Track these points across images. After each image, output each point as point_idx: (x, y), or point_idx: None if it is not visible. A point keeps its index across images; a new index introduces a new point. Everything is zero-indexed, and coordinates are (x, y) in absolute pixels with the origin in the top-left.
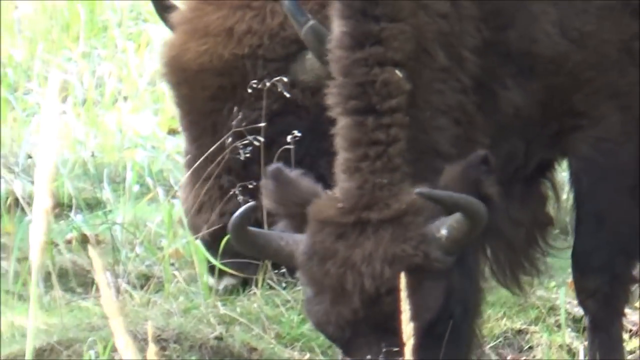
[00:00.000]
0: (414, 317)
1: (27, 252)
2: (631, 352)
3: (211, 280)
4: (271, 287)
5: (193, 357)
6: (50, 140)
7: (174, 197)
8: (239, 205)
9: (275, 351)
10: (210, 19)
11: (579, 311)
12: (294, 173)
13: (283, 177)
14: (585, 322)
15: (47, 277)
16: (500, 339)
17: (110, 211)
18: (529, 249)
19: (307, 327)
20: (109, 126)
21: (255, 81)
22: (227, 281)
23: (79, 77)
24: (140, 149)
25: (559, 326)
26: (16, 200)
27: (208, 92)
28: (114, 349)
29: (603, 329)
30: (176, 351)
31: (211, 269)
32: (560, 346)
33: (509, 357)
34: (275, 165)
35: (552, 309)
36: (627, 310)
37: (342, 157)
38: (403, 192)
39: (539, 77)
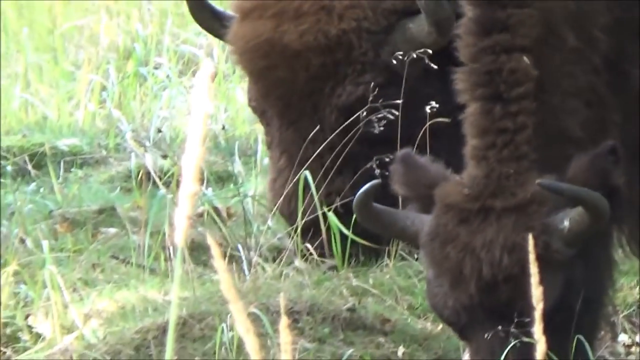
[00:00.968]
0: (531, 305)
1: (159, 226)
2: None
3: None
4: (403, 258)
5: (325, 329)
6: (198, 126)
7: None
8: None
9: (407, 322)
10: (299, 1)
11: None
12: (423, 158)
13: (412, 161)
14: None
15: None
16: (634, 308)
17: (241, 184)
18: None
19: None
20: (240, 100)
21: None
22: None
23: (209, 51)
24: None
25: None
26: (147, 174)
27: (310, 72)
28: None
29: None
30: (308, 323)
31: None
32: None
33: None
34: (404, 150)
35: None
36: None
37: (470, 144)
38: (529, 181)
39: None
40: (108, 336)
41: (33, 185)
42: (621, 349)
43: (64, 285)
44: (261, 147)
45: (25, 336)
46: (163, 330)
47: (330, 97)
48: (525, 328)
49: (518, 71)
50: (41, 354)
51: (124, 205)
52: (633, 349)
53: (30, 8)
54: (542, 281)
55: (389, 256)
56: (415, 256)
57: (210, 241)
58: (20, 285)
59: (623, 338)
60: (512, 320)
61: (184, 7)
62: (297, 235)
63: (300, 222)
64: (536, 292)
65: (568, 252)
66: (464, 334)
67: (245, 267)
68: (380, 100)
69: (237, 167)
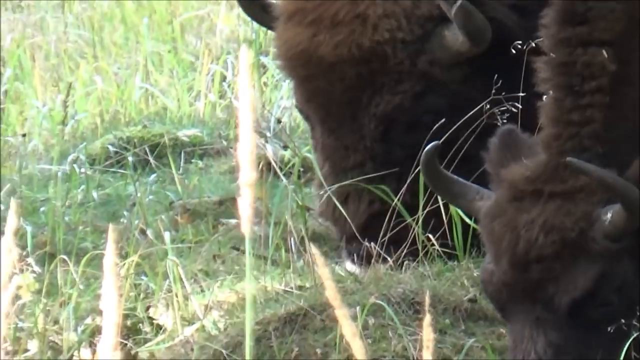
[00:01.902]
0: (561, 291)
1: (279, 216)
2: None
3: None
4: None
5: (447, 320)
6: (248, 115)
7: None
8: None
9: None
10: (337, 6)
11: None
12: (526, 137)
13: (510, 139)
14: None
15: (300, 242)
16: None
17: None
18: None
19: None
20: None
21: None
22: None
23: None
24: None
25: None
26: (268, 164)
27: (346, 82)
28: (369, 312)
29: None
30: (430, 314)
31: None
32: None
33: None
34: (507, 127)
35: None
36: None
37: (542, 131)
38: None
39: None
40: (229, 327)
41: (154, 176)
42: None
43: (185, 276)
44: None
45: (146, 328)
46: (284, 321)
47: (369, 106)
48: (553, 313)
49: (593, 65)
50: (162, 345)
51: None
52: None
53: None
54: (574, 268)
55: None
56: None
57: (315, 252)
58: (141, 277)
59: None
60: (545, 303)
61: None
62: (417, 226)
63: (421, 214)
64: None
65: (608, 244)
66: (504, 312)
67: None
68: (492, 95)
69: None
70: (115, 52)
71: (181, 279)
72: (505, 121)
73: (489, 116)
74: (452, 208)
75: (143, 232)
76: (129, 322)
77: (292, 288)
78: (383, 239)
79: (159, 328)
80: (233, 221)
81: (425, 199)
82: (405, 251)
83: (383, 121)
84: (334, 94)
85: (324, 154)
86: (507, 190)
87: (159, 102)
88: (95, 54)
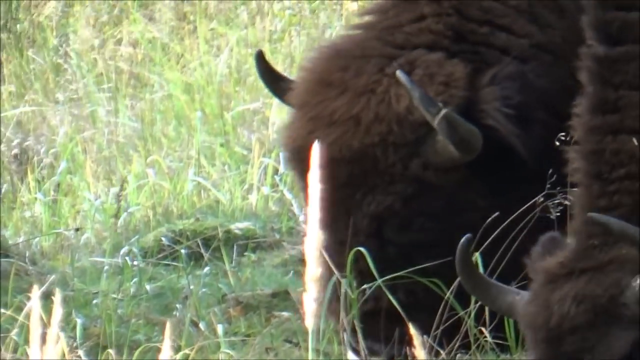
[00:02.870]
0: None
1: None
2: None
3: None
4: None
5: None
6: (316, 212)
7: None
8: None
9: None
10: (335, 106)
11: None
12: (566, 242)
13: (552, 245)
14: None
15: (353, 334)
16: None
17: None
18: None
19: None
20: None
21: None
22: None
23: None
24: None
25: None
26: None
27: (339, 181)
28: None
29: None
30: None
31: None
32: None
33: None
34: (552, 234)
35: None
36: None
37: (573, 220)
38: (614, 249)
39: None
40: None
41: (207, 269)
42: None
43: None
44: None
45: None
46: None
47: (361, 204)
48: None
49: (621, 152)
50: None
51: (298, 288)
52: None
53: (202, 92)
54: (608, 335)
55: None
56: None
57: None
58: None
59: None
60: None
61: None
62: (470, 320)
63: (473, 306)
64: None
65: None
66: None
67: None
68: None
69: None
70: (167, 146)
71: None
72: (558, 214)
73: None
74: None
75: (196, 324)
76: None
77: None
78: (435, 332)
79: None
80: (286, 314)
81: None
82: (458, 344)
83: (375, 219)
84: (327, 191)
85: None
86: (541, 277)
87: (211, 195)
88: (147, 147)
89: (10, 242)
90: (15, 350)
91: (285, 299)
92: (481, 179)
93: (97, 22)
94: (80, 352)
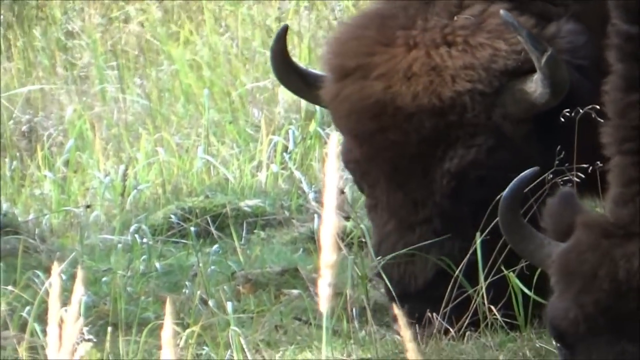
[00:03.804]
0: None
1: (341, 287)
2: None
3: None
4: None
5: None
6: (332, 196)
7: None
8: None
9: None
10: (409, 60)
11: None
12: (582, 204)
13: (569, 201)
14: None
15: (361, 312)
16: None
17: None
18: None
19: None
20: None
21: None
22: None
23: None
24: None
25: None
26: None
27: (422, 134)
28: None
29: None
30: None
31: None
32: None
33: None
34: (567, 190)
35: None
36: None
37: (616, 191)
38: None
39: None
40: None
41: (216, 247)
42: None
43: (247, 347)
44: None
45: None
46: None
47: (442, 161)
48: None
49: None
50: None
51: (307, 266)
52: None
53: (210, 69)
54: None
55: None
56: None
57: (396, 309)
58: (203, 347)
59: None
60: (629, 336)
61: None
62: (480, 296)
63: (483, 283)
64: None
65: None
66: (574, 349)
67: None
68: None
69: None
70: (176, 123)
71: (243, 350)
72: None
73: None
74: (511, 277)
75: (205, 302)
76: None
77: (354, 359)
78: (445, 310)
79: None
80: (295, 292)
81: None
82: (467, 322)
83: (456, 176)
84: (407, 147)
85: (389, 210)
86: (592, 231)
87: (220, 173)
88: (156, 125)
89: (19, 219)
90: (23, 328)
91: (294, 276)
92: (539, 136)
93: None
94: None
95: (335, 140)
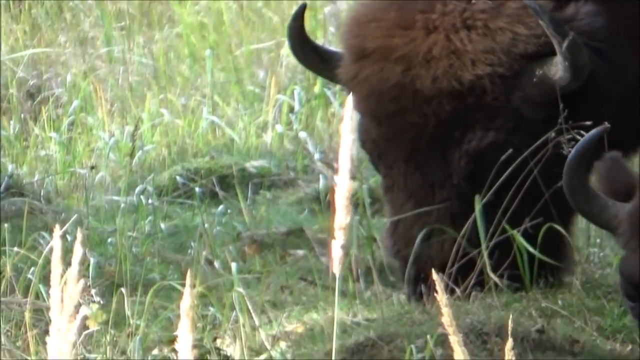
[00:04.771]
0: None
1: (347, 247)
2: None
3: None
4: (587, 281)
5: (514, 351)
6: (347, 160)
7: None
8: None
9: (597, 343)
10: (429, 43)
11: None
12: (627, 164)
13: (619, 162)
14: None
15: (367, 272)
16: None
17: None
18: None
19: (629, 318)
20: None
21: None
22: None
23: None
24: None
25: None
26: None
27: (441, 117)
28: (437, 344)
29: None
30: (497, 345)
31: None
32: None
33: None
34: (614, 152)
35: None
36: None
37: None
38: None
39: None
40: (297, 358)
41: (221, 207)
42: None
43: (252, 307)
44: None
45: (213, 358)
46: (352, 352)
47: (461, 143)
48: None
49: None
50: None
51: (313, 227)
52: None
53: (217, 29)
54: None
55: (575, 277)
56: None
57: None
58: (208, 308)
59: None
60: None
61: None
62: (485, 256)
63: (484, 243)
64: None
65: None
66: None
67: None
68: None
69: None
70: (181, 84)
71: (248, 310)
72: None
73: (555, 146)
74: (517, 237)
75: (210, 263)
76: (196, 353)
77: (360, 319)
78: (450, 270)
79: (226, 359)
80: (300, 252)
81: (491, 231)
82: (473, 282)
83: (474, 158)
84: (425, 129)
85: (407, 191)
86: None
87: (226, 134)
88: (161, 86)
89: (24, 181)
90: (29, 290)
91: (300, 237)
92: (557, 120)
93: None
94: (93, 292)
95: (351, 101)
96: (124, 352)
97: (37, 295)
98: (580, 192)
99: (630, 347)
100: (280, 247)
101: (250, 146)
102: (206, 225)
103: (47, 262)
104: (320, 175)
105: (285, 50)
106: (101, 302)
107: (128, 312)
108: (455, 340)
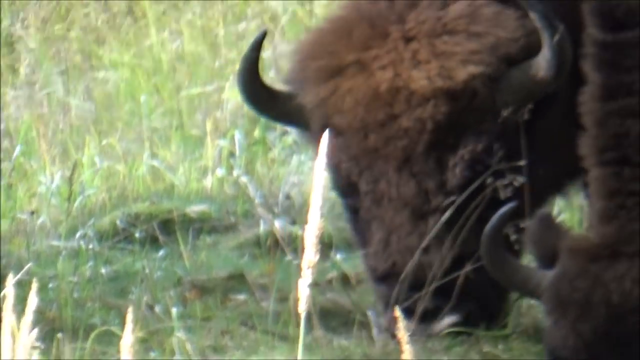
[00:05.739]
0: None
1: (287, 292)
2: None
3: None
4: (531, 324)
5: None
6: (319, 198)
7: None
8: None
9: None
10: (412, 49)
11: None
12: (558, 222)
13: (548, 224)
14: None
15: (308, 317)
16: None
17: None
18: None
19: None
20: None
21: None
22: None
23: None
24: None
25: None
26: (276, 240)
27: (437, 120)
28: None
29: None
30: None
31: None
32: None
33: None
34: (546, 212)
35: None
36: None
37: (598, 205)
38: None
39: None
40: None
41: (162, 252)
42: None
43: (194, 352)
44: None
45: None
46: None
47: (456, 148)
48: None
49: None
50: None
51: (253, 271)
52: None
53: (157, 73)
54: None
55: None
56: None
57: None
58: (149, 352)
59: None
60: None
61: None
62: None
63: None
64: None
65: None
66: None
67: (375, 332)
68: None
69: None
70: (121, 128)
71: (189, 355)
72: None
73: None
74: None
75: (151, 308)
76: None
77: None
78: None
79: None
80: (241, 297)
81: None
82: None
83: (470, 164)
84: (421, 134)
85: (400, 201)
86: (579, 254)
87: (167, 178)
88: (101, 130)
89: None
90: None
91: (241, 281)
92: (534, 126)
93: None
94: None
95: (326, 139)
96: None
97: None
98: (500, 265)
99: None
100: (221, 292)
101: (190, 191)
102: (147, 270)
103: None
104: (261, 220)
105: (226, 94)
106: (41, 347)
107: (68, 358)
108: None
